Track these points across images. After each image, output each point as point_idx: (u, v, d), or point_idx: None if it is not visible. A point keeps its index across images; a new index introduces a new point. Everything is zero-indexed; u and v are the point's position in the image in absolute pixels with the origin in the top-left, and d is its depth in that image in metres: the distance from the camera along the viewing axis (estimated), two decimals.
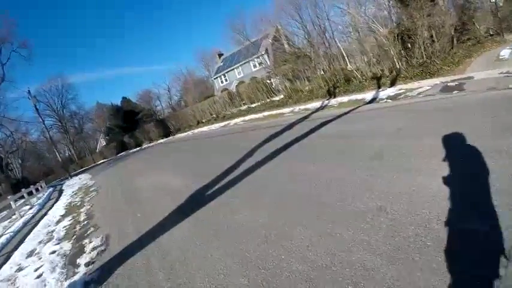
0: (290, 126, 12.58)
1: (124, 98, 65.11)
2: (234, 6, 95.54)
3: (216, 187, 7.25)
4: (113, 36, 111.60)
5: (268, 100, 24.75)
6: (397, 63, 15.50)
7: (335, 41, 21.36)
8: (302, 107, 17.62)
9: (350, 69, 18.53)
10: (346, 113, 11.57)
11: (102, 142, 68.06)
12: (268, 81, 28.38)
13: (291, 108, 18.43)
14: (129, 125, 57.03)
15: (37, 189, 23.23)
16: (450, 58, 14.24)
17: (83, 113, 65.04)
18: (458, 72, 12.34)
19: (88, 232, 7.63)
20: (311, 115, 14.00)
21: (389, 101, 11.48)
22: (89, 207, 11.14)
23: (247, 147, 10.56)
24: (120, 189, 12.55)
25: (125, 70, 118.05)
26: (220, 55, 58.20)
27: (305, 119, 13.33)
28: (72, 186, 21.88)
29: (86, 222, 8.84)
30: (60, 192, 20.70)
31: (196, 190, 7.65)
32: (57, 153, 39.00)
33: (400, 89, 12.52)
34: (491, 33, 19.65)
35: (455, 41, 15.72)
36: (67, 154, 66.85)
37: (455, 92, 9.54)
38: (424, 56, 14.61)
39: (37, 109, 32.53)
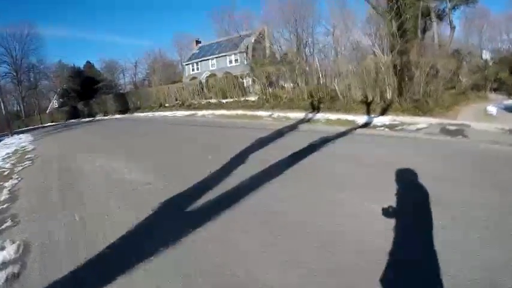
0: (279, 134, 10.62)
1: (88, 63, 61.19)
2: None
3: (196, 204, 5.01)
4: None
5: (242, 99, 22.73)
6: (388, 93, 14.53)
7: (314, 57, 20.58)
8: (281, 114, 15.89)
9: (333, 88, 17.14)
10: (344, 133, 9.93)
11: (55, 104, 63.36)
12: (241, 79, 26.70)
13: (269, 113, 16.64)
14: (87, 92, 53.30)
15: None
16: (441, 101, 13.47)
17: (42, 68, 59.20)
18: (449, 117, 11.63)
19: (3, 225, 5.30)
20: (298, 126, 12.31)
21: (387, 129, 10.25)
22: (16, 181, 8.57)
23: (231, 148, 8.38)
24: (60, 166, 9.88)
25: (97, 34, 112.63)
26: (197, 42, 55.21)
27: (294, 129, 11.52)
28: (9, 146, 18.79)
29: (5, 205, 6.38)
30: None
31: (168, 196, 5.45)
32: (2, 105, 35.10)
33: (393, 120, 11.42)
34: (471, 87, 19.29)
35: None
36: (15, 108, 61.91)
37: (460, 136, 8.44)
38: (420, 94, 13.72)
39: None
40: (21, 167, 10.66)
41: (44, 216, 5.46)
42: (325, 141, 8.70)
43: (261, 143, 9.03)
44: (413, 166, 5.56)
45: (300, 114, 14.97)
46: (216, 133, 13.37)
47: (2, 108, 35.64)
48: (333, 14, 40.69)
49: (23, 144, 18.65)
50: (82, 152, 11.92)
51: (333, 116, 13.35)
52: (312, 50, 36.65)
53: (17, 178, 8.98)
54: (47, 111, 61.33)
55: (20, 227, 5.15)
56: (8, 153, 14.96)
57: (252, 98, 22.25)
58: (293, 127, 11.99)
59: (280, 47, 29.67)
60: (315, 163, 6.76)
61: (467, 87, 18.08)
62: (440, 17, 21.32)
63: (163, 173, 7.22)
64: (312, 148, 7.96)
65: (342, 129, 10.54)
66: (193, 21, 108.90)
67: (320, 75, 18.61)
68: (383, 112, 13.12)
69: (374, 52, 16.32)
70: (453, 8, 21.69)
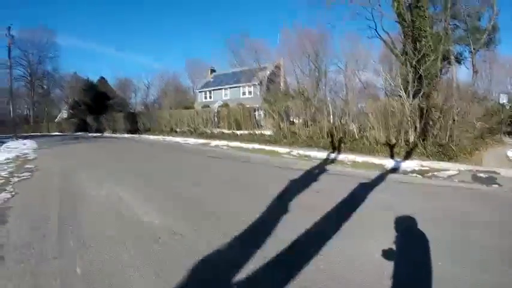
0: (310, 175, 9.34)
1: (102, 78, 60.50)
2: (238, 28, 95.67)
3: (245, 271, 3.57)
4: (113, 13, 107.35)
5: (258, 132, 21.54)
6: (411, 136, 13.86)
7: (326, 94, 19.99)
8: (301, 152, 14.74)
9: (351, 129, 16.58)
10: (379, 179, 8.79)
11: (64, 114, 62.53)
12: (254, 112, 25.69)
13: (287, 150, 15.48)
14: (98, 107, 52.42)
15: None
16: (463, 146, 12.92)
17: (56, 77, 59.47)
18: (474, 163, 11.19)
19: None
20: (325, 167, 10.98)
21: (419, 176, 9.37)
22: (9, 196, 7.22)
23: (264, 190, 7.24)
24: (61, 186, 8.43)
25: (113, 51, 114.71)
26: (212, 71, 55.09)
27: (324, 172, 10.10)
28: (11, 150, 17.54)
29: None
30: None
31: (202, 255, 3.99)
32: (11, 108, 34.49)
33: (421, 165, 10.67)
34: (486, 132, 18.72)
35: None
36: (25, 113, 61.10)
37: (495, 185, 8.00)
38: (447, 138, 13.15)
39: (10, 51, 28.68)
40: (18, 179, 9.38)
41: (36, 257, 4.05)
42: (363, 188, 7.58)
43: (295, 186, 7.72)
44: (479, 221, 5.21)
45: (321, 154, 13.87)
46: (239, 168, 11.78)
47: (11, 110, 34.92)
48: (344, 53, 40.40)
49: (26, 151, 17.43)
50: (88, 172, 10.42)
51: (358, 158, 12.41)
52: (324, 87, 35.93)
53: (10, 192, 7.66)
54: (56, 120, 60.50)
55: (2, 269, 3.76)
56: (8, 159, 13.72)
57: (267, 132, 21.16)
58: (321, 168, 10.72)
59: (297, 81, 28.85)
60: (367, 216, 5.48)
61: (483, 131, 17.31)
62: (458, 61, 20.87)
63: (189, 217, 5.66)
64: (354, 196, 6.76)
65: (373, 173, 9.53)
66: (207, 48, 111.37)
67: (336, 113, 17.89)
68: (407, 156, 12.41)
69: (387, 94, 16.36)
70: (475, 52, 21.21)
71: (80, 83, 58.75)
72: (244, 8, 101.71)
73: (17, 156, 14.67)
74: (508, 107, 21.43)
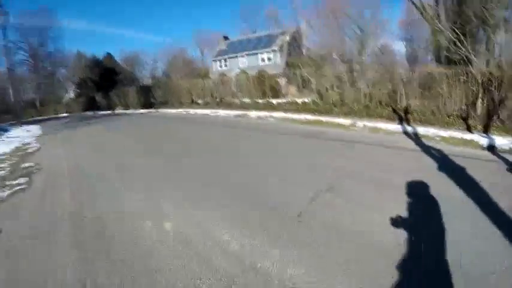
0: (442, 161, 7.12)
1: (108, 54, 57.35)
2: None
3: None
4: None
5: (300, 101, 18.98)
6: (479, 108, 11.97)
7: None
8: (367, 123, 12.45)
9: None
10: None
11: (71, 94, 59.76)
12: (277, 79, 24.17)
13: (349, 121, 13.14)
14: (106, 83, 49.55)
15: None
16: None
17: (60, 57, 56.43)
18: None
19: None
20: (429, 145, 8.82)
21: None
22: None
23: (420, 188, 5.13)
24: (77, 202, 5.58)
25: (118, 28, 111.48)
26: (225, 38, 52.19)
27: (440, 153, 7.83)
28: (11, 141, 14.97)
29: None
30: None
31: None
32: (11, 92, 32.80)
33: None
34: None
35: None
36: (31, 97, 58.51)
37: None
38: None
39: (4, 28, 27.26)
40: (9, 190, 6.72)
41: None
42: None
43: (462, 182, 5.44)
44: None
45: (393, 126, 11.84)
46: (340, 152, 8.55)
47: (11, 96, 33.26)
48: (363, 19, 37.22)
49: (28, 140, 15.22)
50: (118, 172, 7.64)
51: (441, 132, 10.46)
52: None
53: None
54: (63, 101, 57.83)
55: None
56: (5, 153, 11.05)
57: (306, 100, 18.83)
58: (432, 148, 8.41)
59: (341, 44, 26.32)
60: None
61: None
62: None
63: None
64: None
65: (483, 154, 7.82)
66: (216, 19, 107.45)
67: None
68: (485, 130, 10.70)
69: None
70: None
71: (85, 60, 55.85)
72: None
73: (16, 149, 12.27)
74: None
